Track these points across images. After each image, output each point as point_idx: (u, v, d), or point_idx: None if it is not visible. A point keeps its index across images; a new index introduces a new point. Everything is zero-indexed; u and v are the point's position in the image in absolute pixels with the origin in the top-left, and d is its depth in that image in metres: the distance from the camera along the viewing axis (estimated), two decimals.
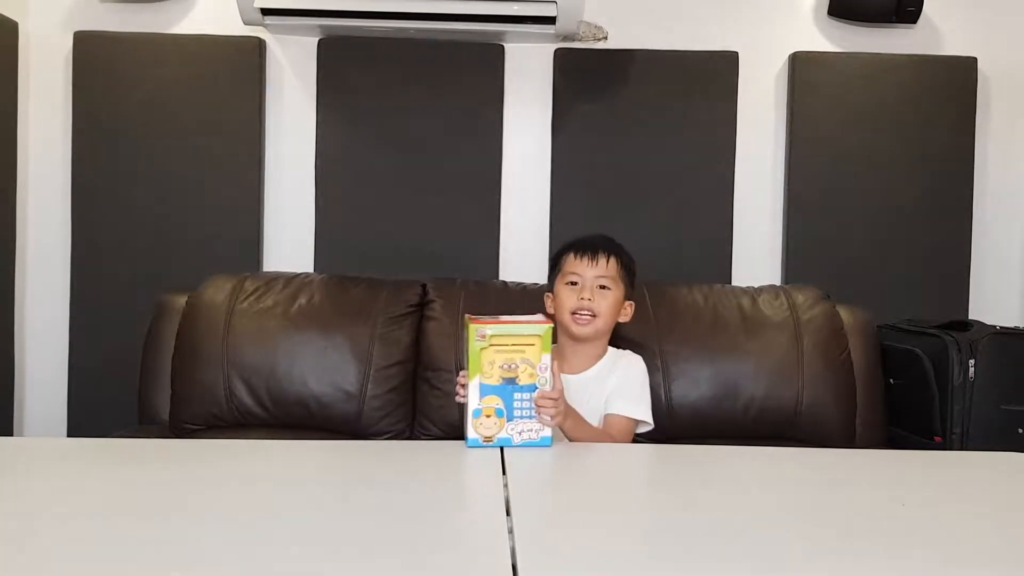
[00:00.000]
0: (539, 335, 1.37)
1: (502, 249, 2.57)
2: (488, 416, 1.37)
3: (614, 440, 1.60)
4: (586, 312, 1.68)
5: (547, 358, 1.37)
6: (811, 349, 2.12)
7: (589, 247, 1.74)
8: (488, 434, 1.37)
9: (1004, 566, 0.90)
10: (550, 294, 1.79)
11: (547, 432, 1.38)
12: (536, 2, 2.29)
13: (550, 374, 1.38)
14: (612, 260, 1.74)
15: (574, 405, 1.53)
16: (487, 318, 1.40)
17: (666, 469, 1.31)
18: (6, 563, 0.84)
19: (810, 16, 2.64)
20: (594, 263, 1.72)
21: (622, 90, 2.57)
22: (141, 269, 2.51)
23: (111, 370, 2.47)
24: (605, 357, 1.74)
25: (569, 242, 1.80)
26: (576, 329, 1.68)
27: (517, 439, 1.37)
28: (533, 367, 1.37)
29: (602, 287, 1.71)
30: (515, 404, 1.37)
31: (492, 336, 1.36)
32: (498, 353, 1.36)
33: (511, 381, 1.37)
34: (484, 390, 1.37)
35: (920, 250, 2.58)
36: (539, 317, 1.43)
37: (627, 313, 1.78)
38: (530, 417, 1.38)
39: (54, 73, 2.57)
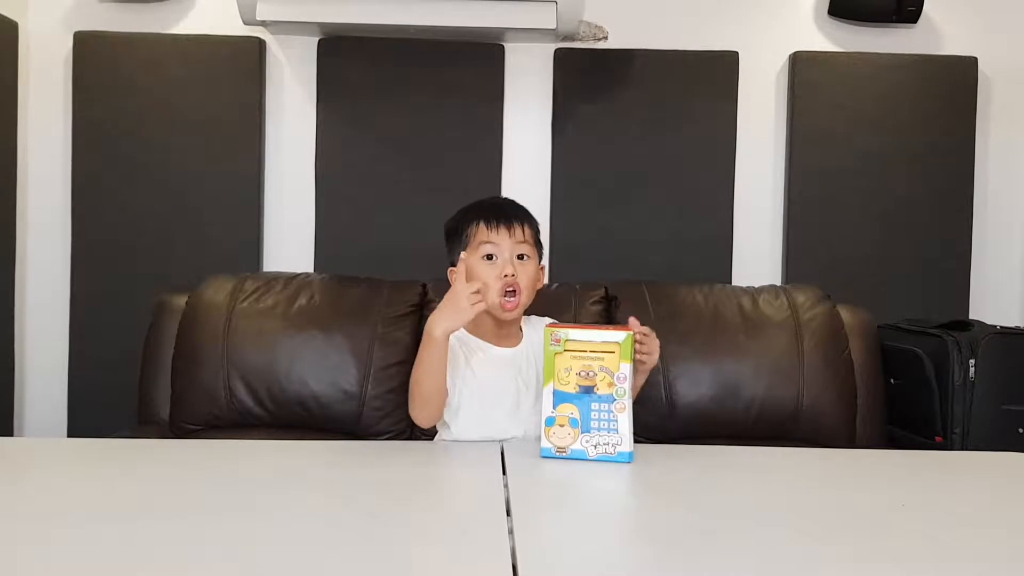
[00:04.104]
0: (619, 343, 1.29)
1: None
2: (562, 425, 1.29)
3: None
4: (512, 289, 1.51)
5: (626, 367, 1.28)
6: (811, 349, 2.12)
7: (502, 215, 1.55)
8: (562, 444, 1.29)
9: (1004, 566, 0.90)
10: (454, 269, 1.59)
11: (625, 447, 1.28)
12: (536, 1, 2.29)
13: (629, 385, 1.29)
14: (526, 226, 1.57)
15: (510, 379, 1.52)
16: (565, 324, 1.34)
17: (666, 469, 1.31)
18: (6, 563, 0.84)
19: (810, 16, 2.64)
20: (511, 232, 1.54)
21: (622, 90, 2.58)
22: (141, 269, 2.51)
23: (111, 370, 2.47)
24: (524, 324, 1.66)
25: (472, 209, 1.61)
26: (506, 314, 1.54)
27: (592, 452, 1.28)
28: (611, 376, 1.28)
29: (520, 256, 1.55)
30: (592, 415, 1.29)
31: (567, 341, 1.29)
32: (575, 360, 1.29)
33: (588, 390, 1.29)
34: (559, 397, 1.30)
35: (920, 250, 2.58)
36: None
37: (542, 279, 1.63)
38: (608, 430, 1.28)
39: (54, 73, 2.57)
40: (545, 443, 1.30)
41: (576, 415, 1.29)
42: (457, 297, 1.40)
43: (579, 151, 2.58)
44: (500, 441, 1.49)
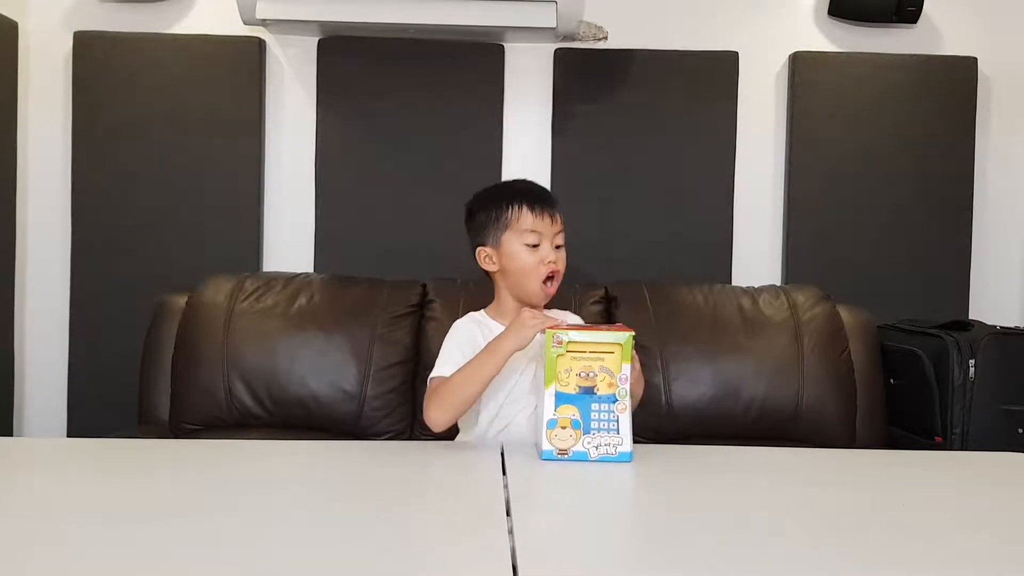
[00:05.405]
0: (619, 343, 1.28)
1: None
2: (564, 427, 1.28)
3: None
4: (551, 275, 1.53)
5: (627, 368, 1.29)
6: (811, 349, 2.12)
7: (546, 202, 1.57)
8: (563, 447, 1.28)
9: (1004, 566, 0.90)
10: (486, 248, 1.59)
11: (626, 447, 1.28)
12: (537, 1, 2.29)
13: (629, 385, 1.29)
14: (560, 214, 1.58)
15: (526, 366, 1.51)
16: (565, 325, 1.34)
17: (666, 469, 1.31)
18: (6, 563, 0.84)
19: (810, 16, 2.64)
20: (554, 220, 1.56)
21: (622, 90, 2.58)
22: (141, 269, 2.51)
23: (111, 370, 2.47)
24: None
25: (511, 192, 1.60)
26: (545, 299, 1.55)
27: (594, 453, 1.28)
28: (613, 376, 1.28)
29: (558, 246, 1.56)
30: (592, 415, 1.28)
31: (569, 343, 1.28)
32: (575, 361, 1.28)
33: (589, 390, 1.28)
34: (560, 399, 1.28)
35: (920, 250, 2.58)
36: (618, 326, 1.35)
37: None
38: (608, 431, 1.28)
39: (54, 73, 2.57)
40: (547, 446, 1.29)
41: (577, 416, 1.28)
42: (522, 319, 1.40)
43: (579, 151, 2.58)
44: (502, 432, 1.50)
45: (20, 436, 2.52)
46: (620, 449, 1.28)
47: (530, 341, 1.38)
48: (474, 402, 1.46)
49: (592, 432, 1.28)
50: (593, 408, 1.28)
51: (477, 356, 1.43)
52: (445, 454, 1.42)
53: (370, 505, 1.08)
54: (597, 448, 1.28)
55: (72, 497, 1.08)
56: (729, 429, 2.09)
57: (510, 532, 0.94)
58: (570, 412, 1.28)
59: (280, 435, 2.02)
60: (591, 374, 1.29)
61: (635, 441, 1.58)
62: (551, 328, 1.31)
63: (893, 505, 1.11)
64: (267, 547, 0.90)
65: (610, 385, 1.29)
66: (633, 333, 1.31)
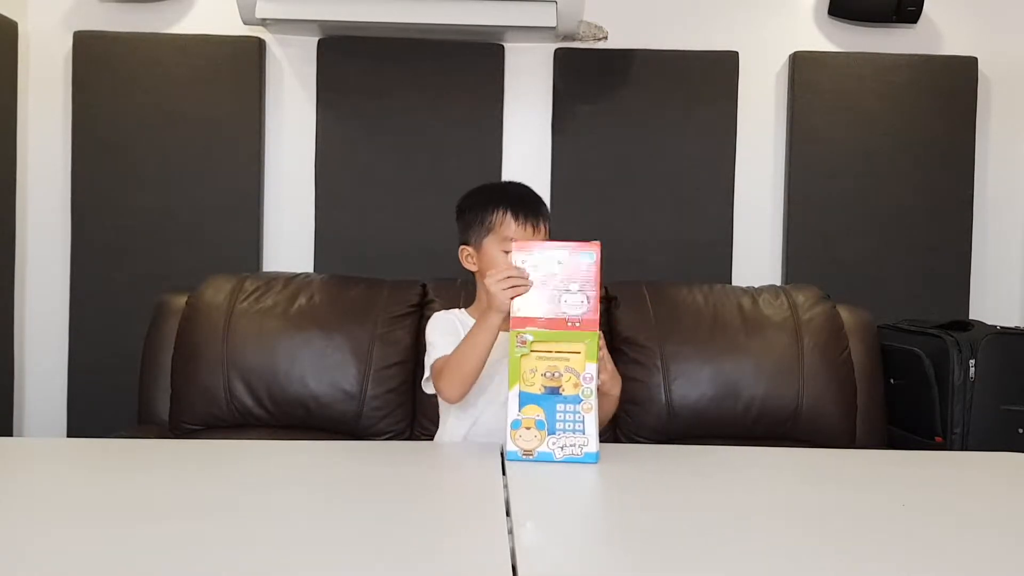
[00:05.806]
0: (584, 343, 1.27)
1: None
2: (528, 428, 1.27)
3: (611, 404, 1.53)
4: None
5: (592, 367, 1.27)
6: (811, 349, 2.12)
7: (531, 210, 1.57)
8: (528, 447, 1.26)
9: (1004, 566, 0.90)
10: (468, 248, 1.61)
11: (592, 447, 1.26)
12: (537, 1, 2.29)
13: (595, 385, 1.27)
14: (545, 224, 1.58)
15: (500, 360, 1.49)
16: (530, 245, 1.32)
17: (666, 469, 1.31)
18: (6, 563, 0.84)
19: (810, 16, 2.64)
20: (536, 230, 1.56)
21: (622, 90, 2.58)
22: (141, 269, 2.51)
23: (111, 370, 2.47)
24: None
25: (499, 195, 1.60)
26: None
27: (559, 454, 1.26)
28: (578, 376, 1.27)
29: None
30: (557, 416, 1.26)
31: (533, 343, 1.27)
32: (540, 360, 1.27)
33: (554, 391, 1.27)
34: (524, 399, 1.27)
35: (920, 250, 2.58)
36: (590, 246, 1.30)
37: None
38: (574, 431, 1.26)
39: (54, 73, 2.57)
40: (511, 446, 1.27)
41: (542, 417, 1.27)
42: (490, 290, 1.37)
43: (579, 151, 2.58)
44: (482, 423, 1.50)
45: (20, 436, 2.52)
46: (586, 450, 1.26)
47: (506, 299, 1.33)
48: (478, 374, 1.46)
49: (557, 433, 1.27)
50: (558, 409, 1.27)
51: (469, 333, 1.45)
52: (445, 454, 1.42)
53: (370, 505, 1.08)
54: (562, 449, 1.27)
55: (72, 497, 1.08)
56: (729, 429, 2.09)
57: (510, 532, 0.94)
58: (535, 413, 1.27)
59: (280, 435, 2.02)
60: (556, 374, 1.28)
61: (635, 441, 1.58)
62: (516, 328, 1.29)
63: (893, 505, 1.11)
64: (267, 547, 0.90)
65: (575, 385, 1.27)
66: (598, 332, 1.29)
